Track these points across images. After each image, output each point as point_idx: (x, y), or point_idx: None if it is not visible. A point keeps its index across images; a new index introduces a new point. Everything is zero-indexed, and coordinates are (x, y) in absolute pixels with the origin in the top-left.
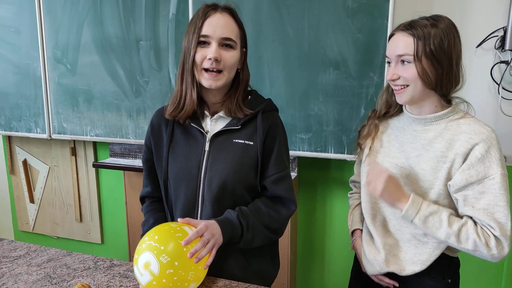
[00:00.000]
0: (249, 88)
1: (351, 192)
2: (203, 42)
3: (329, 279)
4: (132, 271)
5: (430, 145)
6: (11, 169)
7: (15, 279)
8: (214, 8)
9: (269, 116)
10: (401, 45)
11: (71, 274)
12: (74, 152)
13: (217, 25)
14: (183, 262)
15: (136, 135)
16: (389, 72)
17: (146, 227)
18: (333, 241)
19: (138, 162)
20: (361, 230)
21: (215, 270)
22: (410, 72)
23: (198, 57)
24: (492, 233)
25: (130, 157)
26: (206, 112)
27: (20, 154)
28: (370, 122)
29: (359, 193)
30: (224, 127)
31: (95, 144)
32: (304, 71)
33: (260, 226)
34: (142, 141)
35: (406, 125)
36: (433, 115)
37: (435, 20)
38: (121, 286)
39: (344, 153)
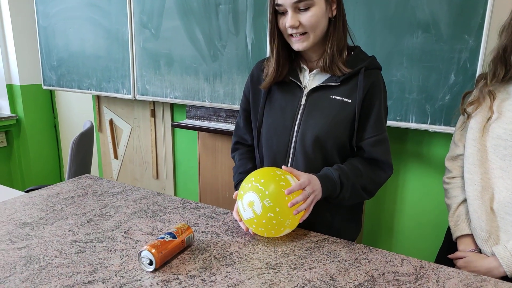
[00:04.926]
0: (351, 44)
1: (449, 176)
2: (280, 11)
3: None
4: (216, 213)
5: None
6: (99, 127)
7: (116, 210)
8: None
9: (371, 74)
10: None
11: (162, 210)
12: (153, 114)
13: None
14: (283, 210)
15: (212, 98)
16: None
17: (242, 169)
18: (403, 217)
19: (213, 125)
20: (471, 235)
21: (300, 223)
22: None
23: (280, 26)
24: None
25: (205, 119)
26: (305, 66)
27: (107, 114)
28: (481, 88)
29: (462, 177)
30: (322, 83)
31: (172, 106)
32: (388, 34)
33: (357, 186)
34: (218, 105)
35: None
36: None
37: None
38: (207, 224)
39: (426, 123)
